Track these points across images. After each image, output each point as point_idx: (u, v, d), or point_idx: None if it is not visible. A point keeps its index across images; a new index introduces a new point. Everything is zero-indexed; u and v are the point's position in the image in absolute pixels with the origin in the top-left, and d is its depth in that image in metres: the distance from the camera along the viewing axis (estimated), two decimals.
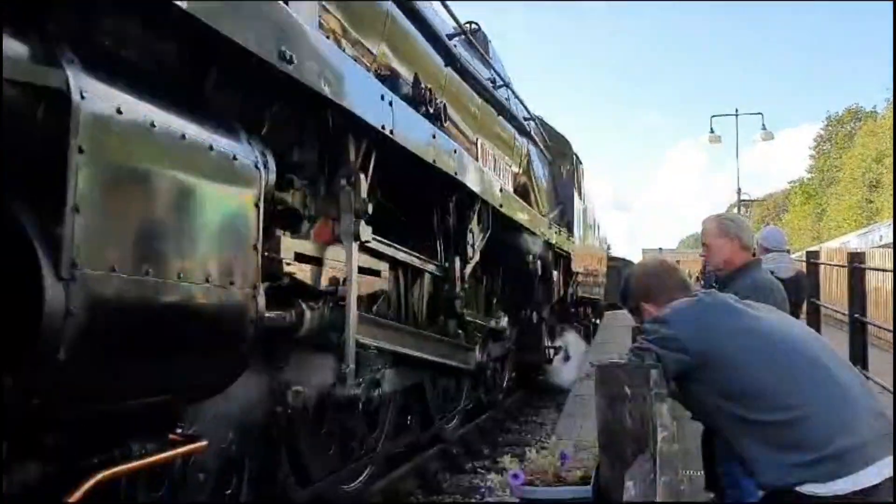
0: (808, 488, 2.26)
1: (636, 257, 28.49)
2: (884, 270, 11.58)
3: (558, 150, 12.58)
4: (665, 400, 2.46)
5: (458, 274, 5.90)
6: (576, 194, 12.84)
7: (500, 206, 6.60)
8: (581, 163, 13.73)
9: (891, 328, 7.84)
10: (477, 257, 6.27)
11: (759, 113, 28.63)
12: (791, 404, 2.34)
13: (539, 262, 8.68)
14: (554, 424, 8.05)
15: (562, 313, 11.61)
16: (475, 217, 6.14)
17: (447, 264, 5.88)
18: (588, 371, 8.99)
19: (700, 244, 4.33)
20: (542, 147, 11.17)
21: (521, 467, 3.05)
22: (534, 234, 8.33)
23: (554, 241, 9.60)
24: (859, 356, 7.02)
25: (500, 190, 6.70)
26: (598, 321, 18.81)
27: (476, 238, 6.20)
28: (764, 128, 28.29)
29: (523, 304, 9.17)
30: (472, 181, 5.65)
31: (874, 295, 10.36)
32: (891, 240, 19.36)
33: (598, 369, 2.65)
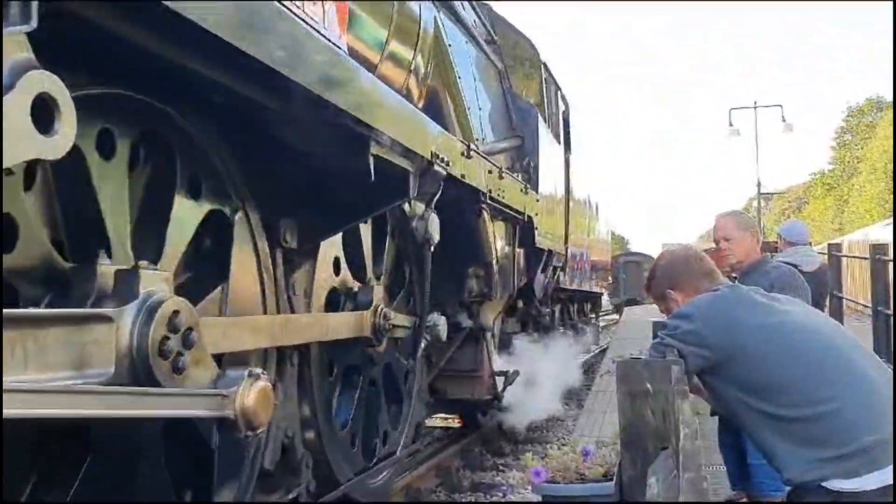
0: (835, 484, 2.25)
1: (655, 252, 28.36)
2: None
3: (515, 58, 8.28)
4: (687, 396, 2.45)
5: None
6: (542, 125, 7.61)
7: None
8: (560, 88, 9.57)
9: None
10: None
11: (779, 105, 28.30)
12: (817, 399, 2.32)
13: (436, 222, 3.99)
14: (575, 421, 8.04)
15: (530, 315, 7.86)
16: None
17: None
18: (609, 368, 8.92)
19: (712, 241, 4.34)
20: (480, 40, 6.62)
21: (542, 464, 3.04)
22: (414, 153, 3.35)
23: (486, 188, 4.75)
24: (883, 348, 6.97)
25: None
26: (596, 316, 15.38)
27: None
28: (784, 120, 28.03)
29: (438, 301, 4.92)
30: None
31: None
32: None
33: (619, 365, 2.64)
